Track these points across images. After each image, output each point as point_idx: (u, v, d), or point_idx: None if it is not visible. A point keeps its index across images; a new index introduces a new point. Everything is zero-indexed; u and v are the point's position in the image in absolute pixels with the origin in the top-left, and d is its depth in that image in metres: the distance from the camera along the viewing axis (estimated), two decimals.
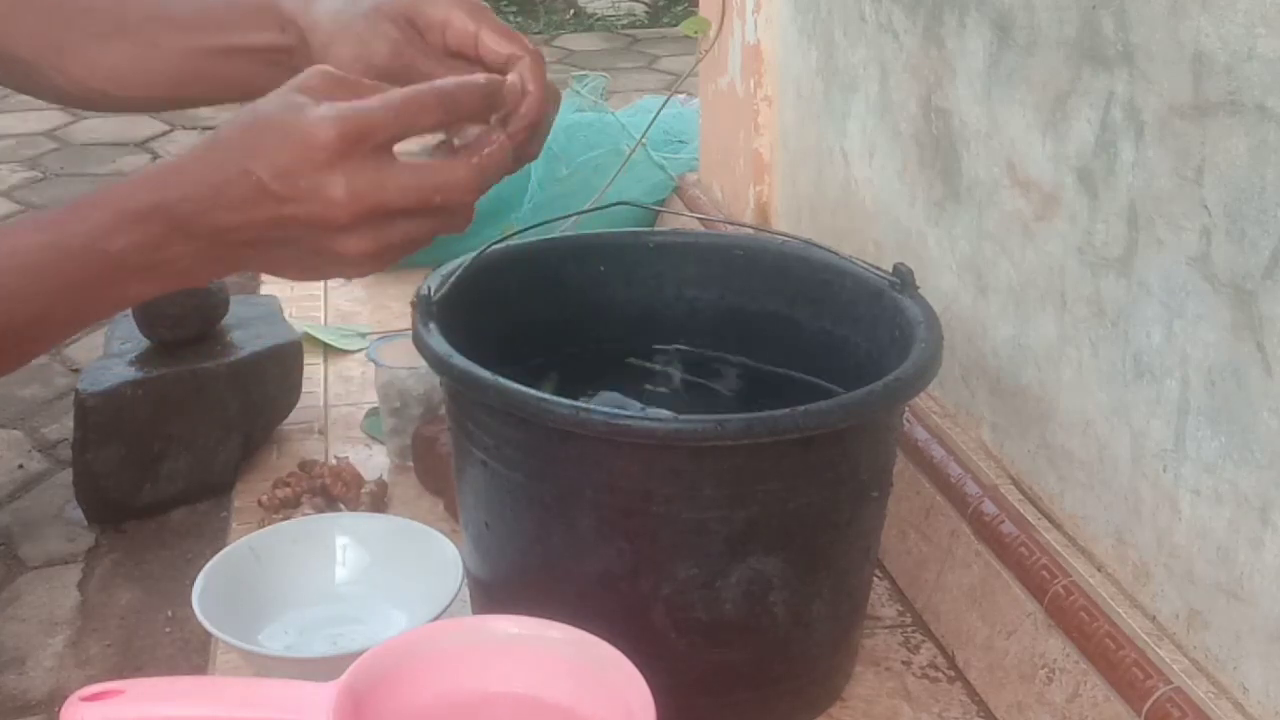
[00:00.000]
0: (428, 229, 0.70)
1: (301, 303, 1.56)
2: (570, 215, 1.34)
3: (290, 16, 0.86)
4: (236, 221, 0.68)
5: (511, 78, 0.76)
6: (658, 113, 1.60)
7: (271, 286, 1.59)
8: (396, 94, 0.68)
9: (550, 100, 0.78)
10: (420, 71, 0.80)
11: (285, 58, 0.86)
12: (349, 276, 0.74)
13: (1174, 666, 0.76)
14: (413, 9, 0.82)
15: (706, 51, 1.52)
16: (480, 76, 0.72)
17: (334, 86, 0.69)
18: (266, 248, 0.70)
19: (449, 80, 0.70)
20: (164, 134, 2.84)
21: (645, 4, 4.47)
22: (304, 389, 1.34)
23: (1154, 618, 0.80)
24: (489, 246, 0.94)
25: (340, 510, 1.12)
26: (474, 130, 0.73)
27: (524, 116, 0.75)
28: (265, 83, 0.79)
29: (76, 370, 1.62)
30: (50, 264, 0.68)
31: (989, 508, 0.93)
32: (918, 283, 0.91)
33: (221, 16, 0.89)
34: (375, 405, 1.27)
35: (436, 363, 0.83)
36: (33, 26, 0.91)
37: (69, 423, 1.29)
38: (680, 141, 1.71)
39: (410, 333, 0.87)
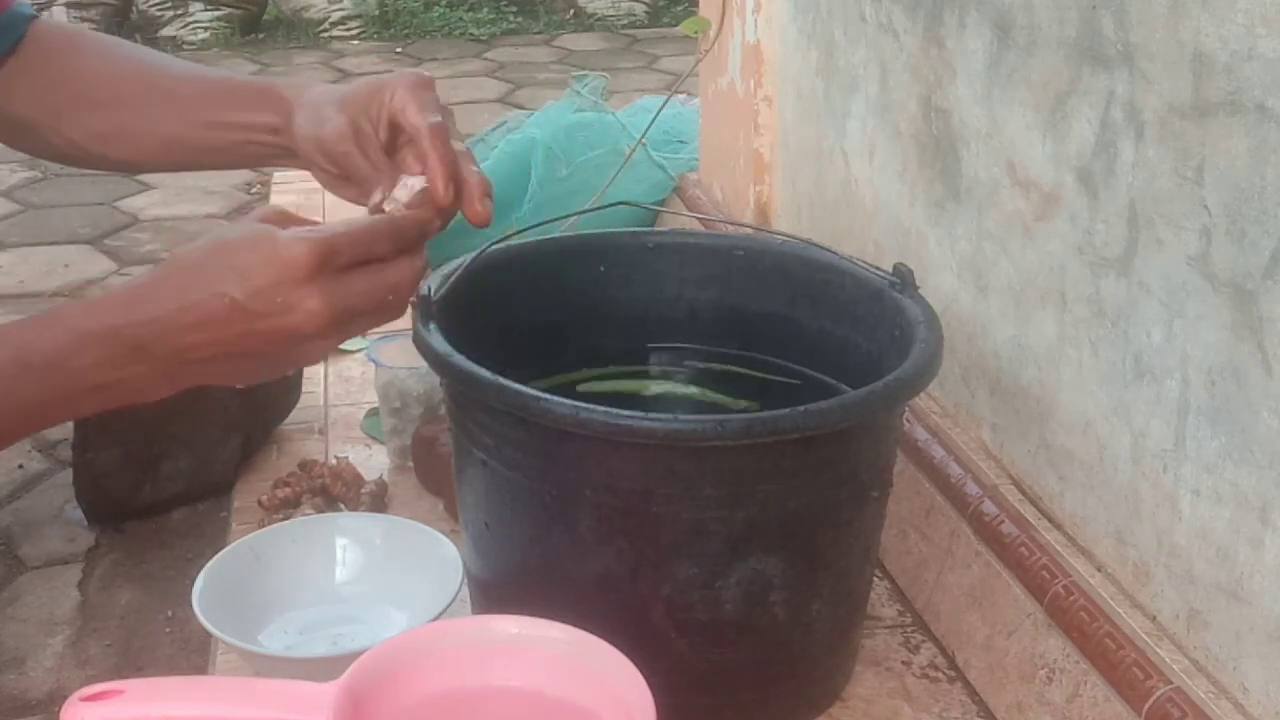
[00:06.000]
0: (377, 321, 0.81)
1: None
2: (570, 215, 1.34)
3: (287, 99, 1.00)
4: (202, 340, 0.76)
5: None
6: (658, 113, 1.59)
7: None
8: (357, 224, 0.80)
9: (462, 159, 0.90)
10: (353, 158, 0.95)
11: (274, 136, 1.00)
12: (303, 367, 0.87)
13: (1174, 666, 0.76)
14: (368, 100, 0.95)
15: (706, 51, 1.52)
16: (413, 213, 0.85)
17: (289, 221, 0.79)
18: (225, 361, 0.78)
19: (396, 215, 0.84)
20: None
21: (645, 4, 4.47)
22: (304, 389, 1.34)
23: (1154, 618, 0.80)
24: (489, 246, 0.94)
25: (340, 510, 1.12)
26: (403, 191, 0.87)
27: (437, 183, 0.88)
28: (256, 151, 1.02)
29: None
30: (12, 380, 0.73)
31: (989, 508, 0.93)
32: (918, 283, 0.91)
33: (223, 96, 1.03)
34: (375, 405, 1.27)
35: (436, 363, 0.83)
36: (31, 93, 1.02)
37: (69, 423, 1.29)
38: (680, 141, 1.71)
39: (410, 333, 0.87)
